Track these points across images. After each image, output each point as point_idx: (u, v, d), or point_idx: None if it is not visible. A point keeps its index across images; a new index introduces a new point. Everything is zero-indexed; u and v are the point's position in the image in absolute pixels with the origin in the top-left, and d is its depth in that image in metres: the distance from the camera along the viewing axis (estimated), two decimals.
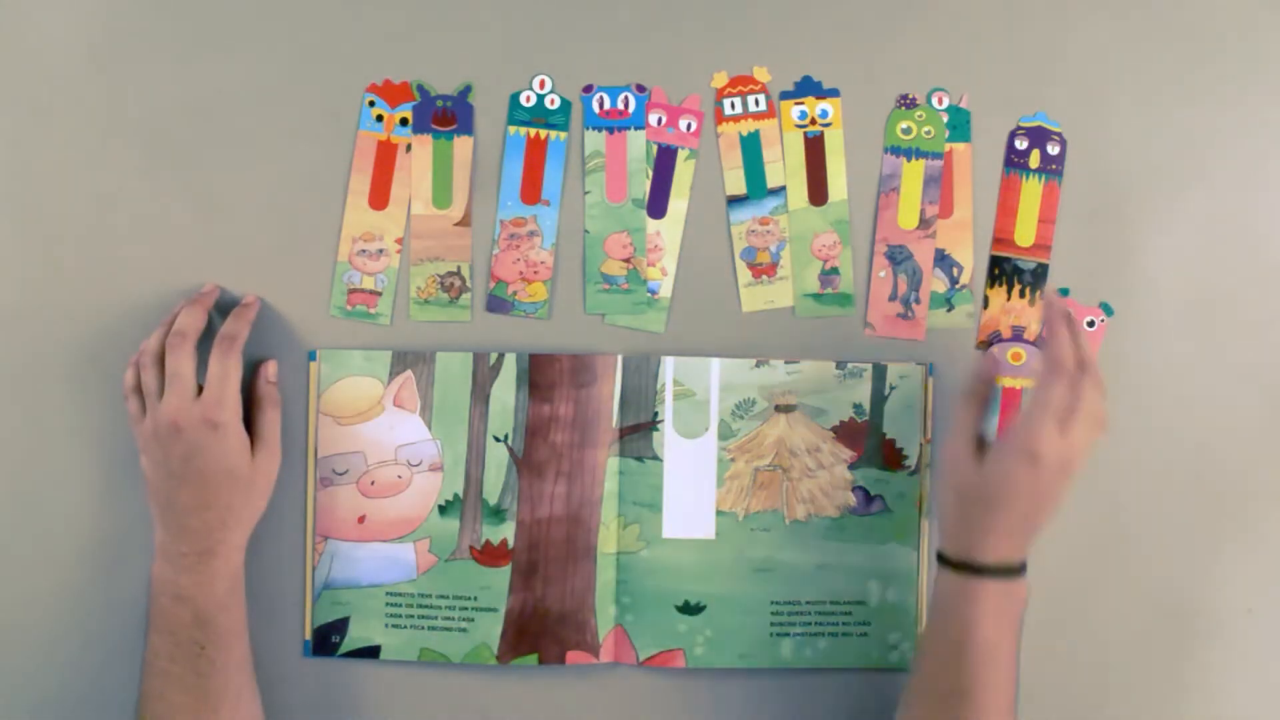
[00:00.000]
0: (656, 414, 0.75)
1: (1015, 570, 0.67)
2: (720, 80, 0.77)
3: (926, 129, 0.76)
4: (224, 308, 0.74)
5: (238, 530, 0.70)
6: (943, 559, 0.68)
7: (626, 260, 0.76)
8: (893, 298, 0.76)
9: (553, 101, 0.76)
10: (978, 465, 0.67)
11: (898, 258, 0.75)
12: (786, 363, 0.76)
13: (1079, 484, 0.76)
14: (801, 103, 0.77)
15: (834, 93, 0.77)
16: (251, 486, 0.71)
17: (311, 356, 0.75)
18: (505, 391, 0.75)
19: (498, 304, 0.76)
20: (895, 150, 0.76)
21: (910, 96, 0.75)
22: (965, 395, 0.71)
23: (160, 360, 0.71)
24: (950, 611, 0.67)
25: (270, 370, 0.74)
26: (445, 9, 0.76)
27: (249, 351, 0.75)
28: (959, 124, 0.77)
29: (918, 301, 0.76)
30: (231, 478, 0.69)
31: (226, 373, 0.70)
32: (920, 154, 0.76)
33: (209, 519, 0.69)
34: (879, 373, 0.76)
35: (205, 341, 0.71)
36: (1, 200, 0.76)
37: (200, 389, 0.70)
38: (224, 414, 0.69)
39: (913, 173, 0.75)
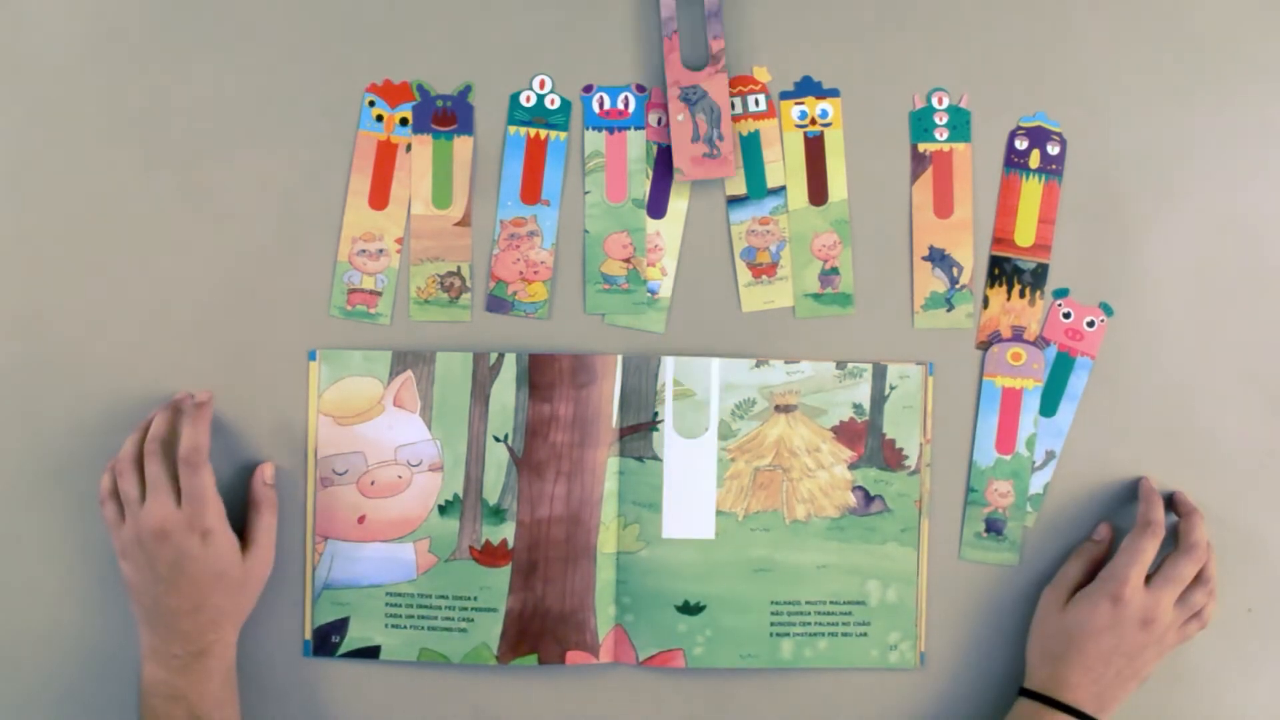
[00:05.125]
0: (656, 414, 0.75)
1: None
2: None
3: None
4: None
5: (229, 629, 0.71)
6: (1025, 692, 0.73)
7: (626, 260, 0.76)
8: (695, 139, 0.75)
9: (553, 101, 0.76)
10: (1065, 610, 0.73)
11: (691, 98, 0.74)
12: (786, 363, 0.76)
13: (1077, 483, 0.76)
14: (801, 103, 0.77)
15: (834, 93, 0.77)
16: (242, 588, 0.71)
17: (311, 356, 0.75)
18: (505, 391, 0.75)
19: (498, 304, 0.76)
20: None
21: None
22: (1077, 552, 0.75)
23: (138, 466, 0.71)
24: None
25: (267, 473, 0.74)
26: (445, 9, 0.76)
27: (252, 352, 0.75)
28: (959, 124, 0.77)
29: (721, 139, 0.75)
30: (222, 581, 0.70)
31: (203, 487, 0.69)
32: None
33: (200, 621, 0.69)
34: (879, 373, 0.76)
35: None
36: (1, 200, 0.76)
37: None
38: (210, 522, 0.69)
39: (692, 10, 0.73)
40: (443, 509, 0.75)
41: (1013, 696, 0.74)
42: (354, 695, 0.76)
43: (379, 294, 0.76)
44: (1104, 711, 0.71)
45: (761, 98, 0.76)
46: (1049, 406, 0.76)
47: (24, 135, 0.76)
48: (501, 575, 0.75)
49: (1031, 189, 0.77)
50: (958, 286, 0.77)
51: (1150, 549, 0.71)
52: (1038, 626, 0.74)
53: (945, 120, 0.77)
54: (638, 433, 0.75)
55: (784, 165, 0.77)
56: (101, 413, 0.75)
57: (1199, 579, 0.73)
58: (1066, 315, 0.76)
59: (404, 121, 0.76)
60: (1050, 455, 0.76)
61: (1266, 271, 0.77)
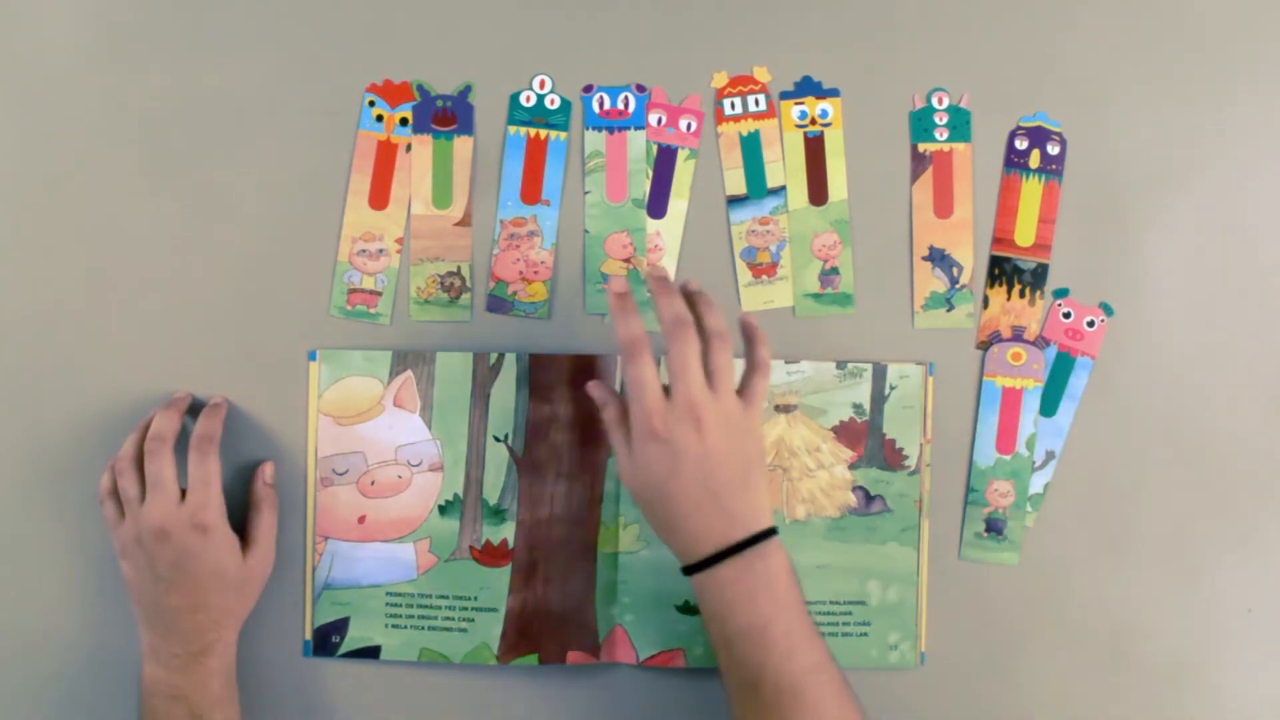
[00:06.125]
0: None
1: (734, 550, 0.64)
2: (720, 80, 0.77)
3: None
4: (194, 409, 0.74)
5: (230, 629, 0.71)
6: (688, 571, 0.66)
7: (626, 260, 0.76)
8: None
9: (553, 101, 0.76)
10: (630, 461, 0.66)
11: None
12: (786, 363, 0.76)
13: (1077, 483, 0.76)
14: (801, 103, 0.77)
15: (834, 93, 0.77)
16: (243, 587, 0.71)
17: (311, 356, 0.75)
18: (505, 391, 0.75)
19: (498, 304, 0.76)
20: None
21: None
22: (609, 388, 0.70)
23: (138, 465, 0.70)
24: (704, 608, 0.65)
25: (268, 472, 0.74)
26: (445, 9, 0.76)
27: (252, 352, 0.76)
28: (959, 124, 0.77)
29: None
30: (222, 580, 0.70)
31: (209, 475, 0.70)
32: None
33: (201, 620, 0.69)
34: (879, 373, 0.76)
35: (180, 447, 0.71)
36: (1, 200, 0.76)
37: (183, 493, 0.69)
38: (211, 517, 0.69)
39: None
40: (443, 509, 0.75)
41: (1013, 696, 0.74)
42: (354, 695, 0.76)
43: (379, 294, 0.76)
44: (732, 527, 0.64)
45: (761, 98, 0.76)
46: (1049, 406, 0.76)
47: (24, 136, 0.76)
48: (502, 575, 0.75)
49: (1031, 189, 0.77)
50: (958, 286, 0.77)
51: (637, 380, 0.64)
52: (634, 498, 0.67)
53: (945, 120, 0.77)
54: None
55: (784, 165, 0.77)
56: (101, 413, 0.75)
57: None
58: (1066, 315, 0.76)
59: (404, 121, 0.76)
60: (1050, 455, 0.76)
61: (1266, 271, 0.77)
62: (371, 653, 0.75)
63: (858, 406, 0.76)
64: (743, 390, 0.68)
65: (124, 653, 0.74)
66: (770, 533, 0.65)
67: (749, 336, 0.70)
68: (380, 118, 0.76)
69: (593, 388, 0.71)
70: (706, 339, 0.66)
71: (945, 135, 0.77)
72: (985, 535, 0.76)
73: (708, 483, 0.64)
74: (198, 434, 0.71)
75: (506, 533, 0.75)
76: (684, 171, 0.76)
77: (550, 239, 0.76)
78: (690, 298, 0.68)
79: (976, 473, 0.76)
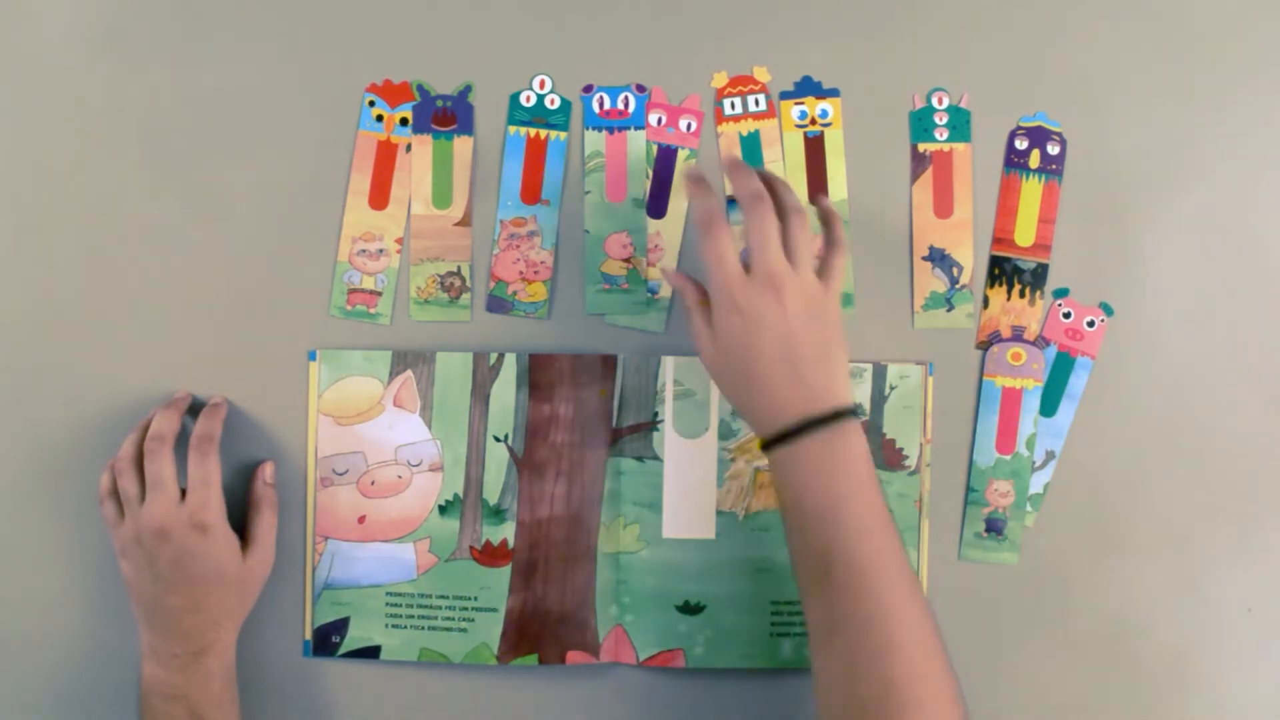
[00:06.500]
0: (656, 414, 0.75)
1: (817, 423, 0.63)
2: (720, 80, 0.77)
3: None
4: (194, 409, 0.74)
5: (229, 629, 0.71)
6: (767, 446, 0.65)
7: (627, 260, 0.76)
8: None
9: (553, 101, 0.76)
10: (712, 338, 0.65)
11: None
12: None
13: (1077, 483, 0.76)
14: (801, 103, 0.77)
15: (834, 93, 0.77)
16: (243, 587, 0.71)
17: (311, 356, 0.75)
18: (505, 391, 0.75)
19: (498, 304, 0.76)
20: None
21: None
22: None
23: (138, 465, 0.70)
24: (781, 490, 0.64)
25: (268, 472, 0.74)
26: (445, 9, 0.76)
27: (252, 352, 0.75)
28: (959, 124, 0.77)
29: None
30: (221, 580, 0.70)
31: (208, 474, 0.70)
32: None
33: (200, 620, 0.69)
34: (879, 373, 0.76)
35: (180, 448, 0.71)
36: (1, 200, 0.76)
37: (182, 493, 0.69)
38: (211, 516, 0.69)
39: None
40: (443, 509, 0.75)
41: (1013, 696, 0.74)
42: (354, 695, 0.76)
43: (379, 294, 0.76)
44: (815, 398, 0.63)
45: (761, 98, 0.76)
46: (1049, 406, 0.76)
47: (24, 136, 0.76)
48: (501, 575, 0.75)
49: (1031, 189, 0.77)
50: (958, 286, 0.77)
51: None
52: (710, 373, 0.67)
53: (945, 120, 0.77)
54: (638, 433, 0.75)
55: (784, 165, 0.77)
56: (101, 413, 0.75)
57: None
58: (1066, 315, 0.76)
59: (404, 121, 0.76)
60: (1050, 455, 0.76)
61: (1266, 271, 0.77)
62: (371, 653, 0.75)
63: (858, 406, 0.76)
64: (821, 270, 0.67)
65: (123, 652, 0.74)
66: (850, 414, 0.64)
67: (825, 218, 0.70)
68: (380, 118, 0.76)
69: (669, 275, 0.70)
70: (785, 216, 0.66)
71: (945, 135, 0.77)
72: (985, 535, 0.76)
73: (787, 355, 0.63)
74: (197, 434, 0.71)
75: (506, 533, 0.75)
76: None
77: (550, 239, 0.76)
78: (766, 180, 0.67)
79: (976, 473, 0.76)
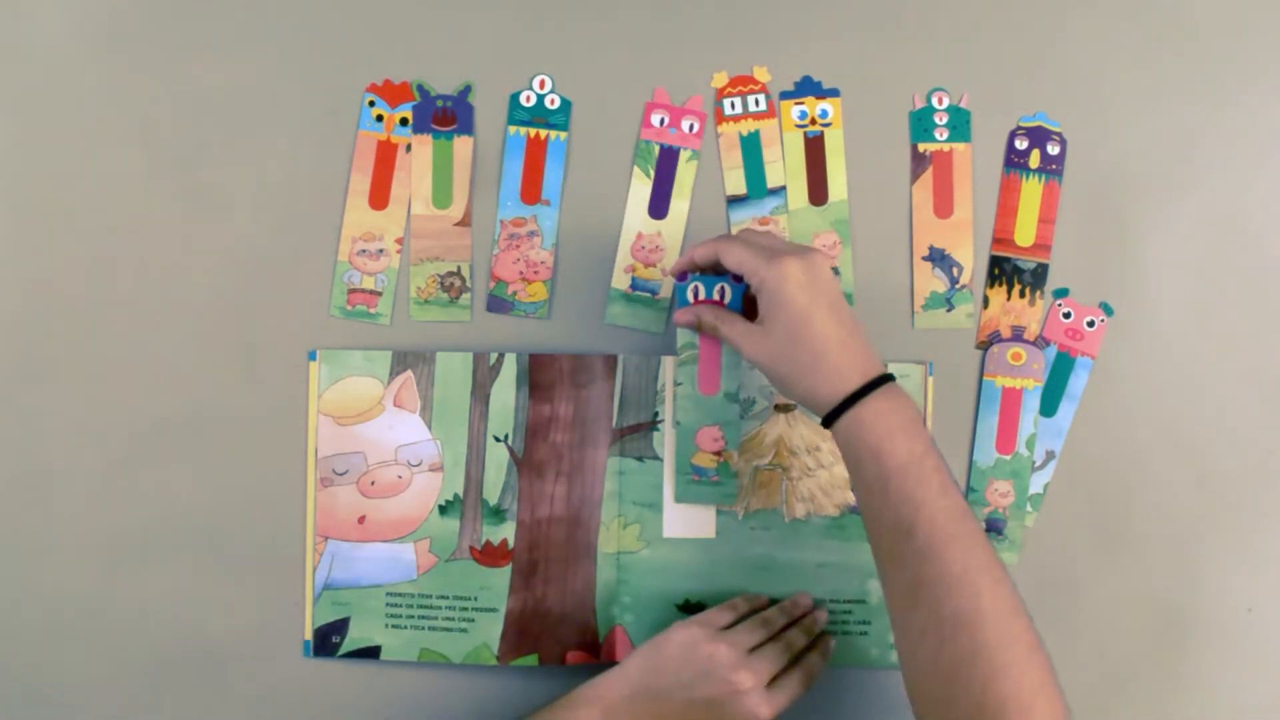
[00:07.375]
0: (656, 414, 0.75)
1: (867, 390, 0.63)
2: (720, 80, 0.77)
3: None
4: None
5: None
6: (830, 420, 0.64)
7: (717, 454, 0.74)
8: None
9: (553, 101, 0.76)
10: (761, 330, 0.65)
11: None
12: None
13: (1077, 483, 0.76)
14: (801, 103, 0.77)
15: (834, 93, 0.77)
16: None
17: (311, 356, 0.75)
18: (505, 391, 0.75)
19: (498, 304, 0.76)
20: None
21: None
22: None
23: (768, 627, 0.71)
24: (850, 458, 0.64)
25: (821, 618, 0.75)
26: (445, 9, 0.76)
27: (252, 352, 0.75)
28: (959, 124, 0.77)
29: None
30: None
31: (795, 693, 0.69)
32: None
33: None
34: None
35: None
36: (1, 200, 0.76)
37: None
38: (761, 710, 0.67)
39: None
40: (443, 509, 0.75)
41: None
42: (354, 695, 0.76)
43: (379, 294, 0.76)
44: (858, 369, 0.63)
45: (761, 98, 0.76)
46: (1049, 406, 0.76)
47: (24, 135, 0.76)
48: (502, 575, 0.75)
49: (1031, 189, 0.77)
50: (958, 286, 0.77)
51: (738, 245, 0.65)
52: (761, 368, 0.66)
53: (945, 120, 0.77)
54: (638, 433, 0.75)
55: (784, 165, 0.77)
56: (101, 413, 0.75)
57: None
58: (1066, 315, 0.76)
59: (404, 121, 0.76)
60: (1050, 455, 0.76)
61: (1266, 271, 0.77)
62: (371, 653, 0.75)
63: None
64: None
65: (122, 651, 0.74)
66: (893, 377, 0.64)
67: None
68: (380, 118, 0.76)
69: (678, 321, 0.70)
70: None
71: (945, 135, 0.77)
72: None
73: (840, 316, 0.64)
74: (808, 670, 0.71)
75: (506, 533, 0.75)
76: (686, 172, 0.76)
77: (550, 239, 0.76)
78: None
79: (976, 473, 0.76)
